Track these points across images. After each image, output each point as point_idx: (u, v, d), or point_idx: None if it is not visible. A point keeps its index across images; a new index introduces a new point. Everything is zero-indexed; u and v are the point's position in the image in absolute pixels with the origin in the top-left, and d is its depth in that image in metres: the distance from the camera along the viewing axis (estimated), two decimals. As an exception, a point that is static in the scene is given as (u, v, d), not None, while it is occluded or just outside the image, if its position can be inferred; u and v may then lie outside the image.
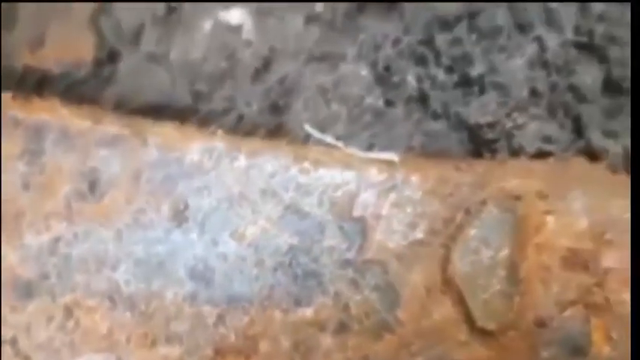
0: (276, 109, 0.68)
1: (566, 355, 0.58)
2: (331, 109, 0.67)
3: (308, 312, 0.62)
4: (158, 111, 0.69)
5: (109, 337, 0.63)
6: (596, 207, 0.58)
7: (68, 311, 0.64)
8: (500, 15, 0.66)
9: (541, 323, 0.60)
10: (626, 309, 0.57)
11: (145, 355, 0.63)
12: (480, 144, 0.65)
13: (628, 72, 0.64)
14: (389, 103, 0.66)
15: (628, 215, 0.57)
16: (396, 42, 0.67)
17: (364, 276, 0.60)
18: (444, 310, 0.61)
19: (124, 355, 0.63)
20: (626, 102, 0.64)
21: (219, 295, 0.62)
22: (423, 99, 0.66)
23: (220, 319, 0.62)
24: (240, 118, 0.68)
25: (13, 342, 0.65)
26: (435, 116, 0.66)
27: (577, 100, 0.65)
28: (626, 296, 0.57)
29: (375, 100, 0.67)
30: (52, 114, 0.65)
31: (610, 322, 0.58)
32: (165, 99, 0.69)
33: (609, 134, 0.64)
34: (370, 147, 0.64)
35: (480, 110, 0.65)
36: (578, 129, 0.64)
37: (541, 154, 0.64)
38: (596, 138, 0.64)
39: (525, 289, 0.59)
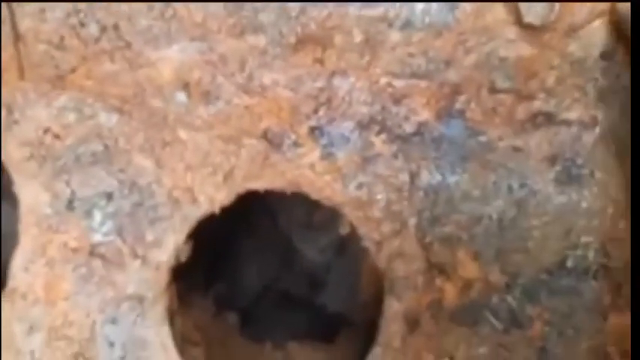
0: None
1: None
2: None
3: (379, 9, 0.71)
4: None
5: (202, 26, 0.72)
6: None
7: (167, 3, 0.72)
8: None
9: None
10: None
11: (234, 43, 0.72)
12: None
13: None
14: None
15: None
16: None
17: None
18: (497, 11, 0.71)
19: (215, 44, 0.72)
20: None
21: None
22: None
23: (302, 11, 0.71)
24: None
25: (116, 27, 0.74)
26: None
27: None
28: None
29: None
30: None
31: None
32: None
33: None
34: None
35: None
36: None
37: None
38: None
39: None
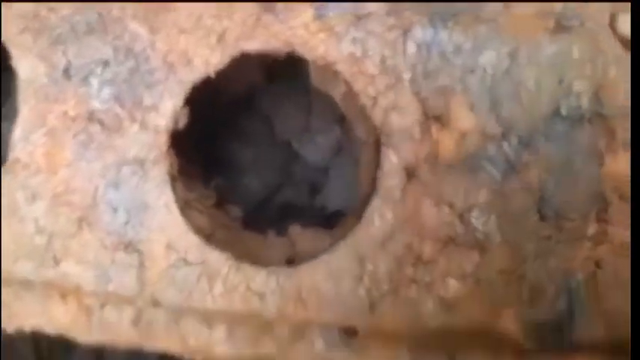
0: None
1: None
2: None
3: None
4: None
5: None
6: None
7: None
8: None
9: None
10: None
11: None
12: None
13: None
14: None
15: None
16: None
17: None
18: None
19: None
20: None
21: None
22: None
23: None
24: None
25: None
26: None
27: None
28: None
29: None
30: None
31: None
32: None
33: None
34: None
35: None
36: None
37: None
38: None
39: None
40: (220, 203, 0.85)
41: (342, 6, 0.72)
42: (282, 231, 0.90)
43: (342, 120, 0.98)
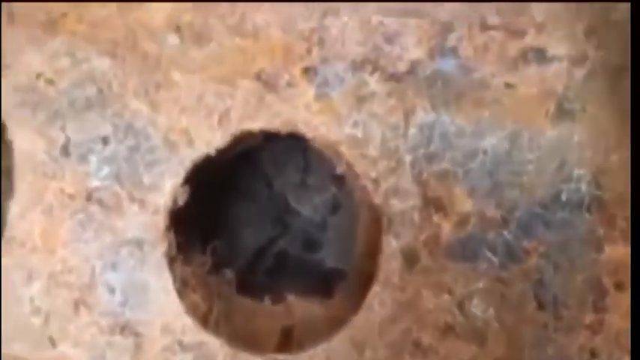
0: None
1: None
2: None
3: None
4: None
5: None
6: None
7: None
8: None
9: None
10: None
11: None
12: None
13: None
14: None
15: None
16: None
17: None
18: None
19: None
20: None
21: None
22: None
23: None
24: None
25: (105, -27, 0.73)
26: None
27: None
28: None
29: None
30: None
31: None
32: None
33: None
34: None
35: None
36: None
37: None
38: None
39: None
40: (216, 266, 0.85)
41: (344, 82, 0.72)
42: (277, 286, 0.90)
43: (339, 178, 0.98)
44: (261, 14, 0.71)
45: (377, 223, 0.71)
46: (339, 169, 0.72)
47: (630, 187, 0.69)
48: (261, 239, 1.03)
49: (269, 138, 0.89)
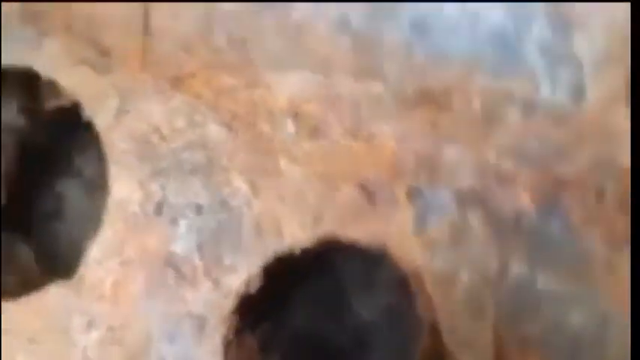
0: None
1: None
2: None
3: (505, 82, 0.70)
4: None
5: (327, 60, 0.70)
6: None
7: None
8: None
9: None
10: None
11: (353, 85, 0.70)
12: None
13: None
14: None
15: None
16: None
17: None
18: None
19: (335, 81, 0.70)
20: None
21: None
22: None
23: (428, 67, 0.69)
24: None
25: (243, 42, 0.73)
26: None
27: None
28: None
29: None
30: None
31: None
32: None
33: None
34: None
35: None
36: None
37: None
38: None
39: None
40: (262, 348, 0.83)
41: (446, 212, 0.70)
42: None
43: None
44: (380, 122, 0.70)
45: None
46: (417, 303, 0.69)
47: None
48: (312, 324, 1.02)
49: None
